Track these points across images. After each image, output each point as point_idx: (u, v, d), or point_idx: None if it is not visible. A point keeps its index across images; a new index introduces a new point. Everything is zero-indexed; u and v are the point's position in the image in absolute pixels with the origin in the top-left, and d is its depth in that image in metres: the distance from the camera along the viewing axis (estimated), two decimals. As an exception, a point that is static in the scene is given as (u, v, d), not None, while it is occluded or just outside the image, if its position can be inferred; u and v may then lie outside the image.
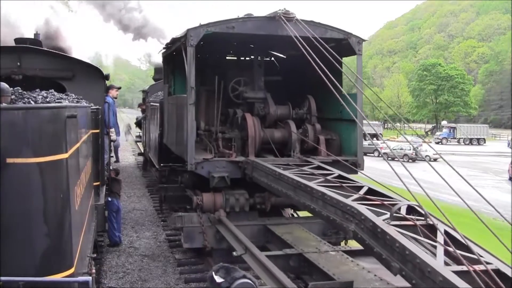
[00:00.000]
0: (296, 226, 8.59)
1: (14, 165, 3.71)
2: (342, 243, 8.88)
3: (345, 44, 8.81)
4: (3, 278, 3.54)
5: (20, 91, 5.84)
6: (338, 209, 5.13)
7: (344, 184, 6.08)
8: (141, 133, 25.11)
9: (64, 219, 4.03)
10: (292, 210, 10.37)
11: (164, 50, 11.20)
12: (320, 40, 7.72)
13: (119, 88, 14.78)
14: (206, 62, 10.73)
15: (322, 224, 8.52)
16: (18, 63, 8.26)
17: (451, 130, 69.20)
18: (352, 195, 5.45)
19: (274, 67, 11.65)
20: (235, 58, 11.69)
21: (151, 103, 16.87)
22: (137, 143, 31.30)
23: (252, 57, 11.11)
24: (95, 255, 7.17)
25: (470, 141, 66.72)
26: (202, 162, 8.37)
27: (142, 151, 23.05)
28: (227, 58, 11.72)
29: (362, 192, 5.68)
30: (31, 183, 3.82)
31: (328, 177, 6.53)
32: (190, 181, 9.32)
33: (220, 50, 11.24)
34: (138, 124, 25.05)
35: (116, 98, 13.77)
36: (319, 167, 7.55)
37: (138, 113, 32.04)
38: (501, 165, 38.32)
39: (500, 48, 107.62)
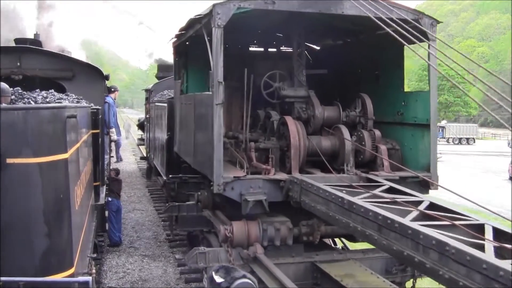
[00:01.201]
0: (354, 263, 6.71)
1: (14, 165, 3.71)
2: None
3: (411, 28, 6.83)
4: (3, 278, 3.54)
5: (20, 91, 5.86)
6: (476, 271, 3.26)
7: (455, 222, 4.24)
8: (143, 136, 23.33)
9: (64, 219, 4.03)
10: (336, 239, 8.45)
11: (174, 39, 9.32)
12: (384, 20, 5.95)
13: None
14: (225, 54, 8.93)
15: (385, 259, 6.74)
16: (18, 63, 8.28)
17: (440, 130, 69.23)
18: (481, 241, 3.76)
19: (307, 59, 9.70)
20: (262, 49, 9.88)
21: (156, 103, 15.08)
22: (139, 146, 28.66)
23: (280, 48, 9.58)
24: (95, 255, 7.17)
25: (459, 141, 66.83)
26: (232, 182, 6.41)
27: (145, 155, 20.98)
28: (250, 49, 9.98)
29: (489, 235, 3.92)
30: (31, 183, 3.82)
31: (420, 207, 4.76)
32: (209, 200, 7.58)
33: (243, 39, 9.42)
34: (141, 126, 23.81)
35: (115, 99, 13.78)
36: (392, 189, 5.83)
37: (138, 114, 31.45)
38: (499, 164, 38.26)
39: (500, 48, 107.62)
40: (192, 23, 7.65)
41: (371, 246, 5.29)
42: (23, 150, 3.77)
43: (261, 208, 6.48)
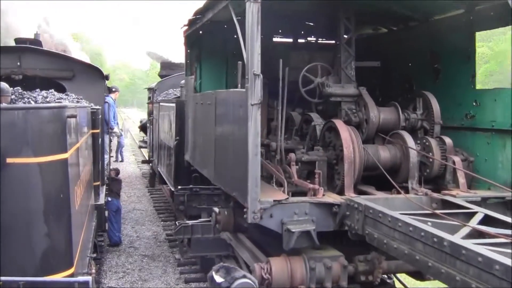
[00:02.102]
0: None
1: (14, 165, 3.72)
2: None
3: (487, 10, 5.58)
4: (3, 278, 3.54)
5: (20, 91, 5.88)
6: None
7: None
8: (145, 138, 21.89)
9: (64, 219, 4.03)
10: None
11: (185, 27, 7.85)
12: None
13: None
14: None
15: None
16: (18, 63, 8.30)
17: None
18: None
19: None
20: (290, 40, 8.36)
21: (161, 103, 13.47)
22: (141, 148, 26.20)
23: (311, 37, 8.18)
24: (95, 255, 7.18)
25: None
26: (272, 207, 4.89)
27: (147, 159, 19.16)
28: (274, 40, 8.43)
29: None
30: (31, 183, 3.82)
31: None
32: (231, 221, 6.25)
33: (265, 28, 7.52)
34: (143, 127, 22.53)
35: (115, 99, 13.78)
36: (488, 218, 4.53)
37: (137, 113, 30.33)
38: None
39: (500, 48, 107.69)
40: (212, 2, 6.24)
41: (441, 284, 4.07)
42: (23, 150, 3.77)
43: (308, 240, 4.94)
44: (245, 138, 4.84)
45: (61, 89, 8.04)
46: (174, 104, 10.46)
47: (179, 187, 9.00)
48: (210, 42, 7.87)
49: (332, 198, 5.22)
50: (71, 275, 4.02)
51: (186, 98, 8.72)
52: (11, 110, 3.82)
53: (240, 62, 5.20)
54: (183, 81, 10.36)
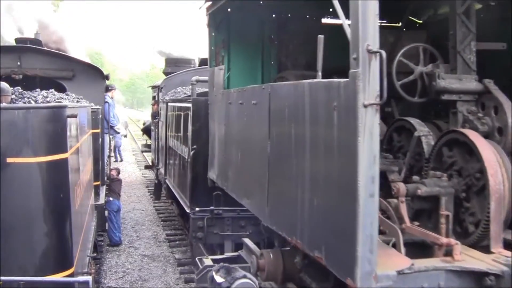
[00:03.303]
0: None
1: (14, 164, 3.72)
2: None
3: None
4: (3, 278, 3.54)
5: (20, 90, 5.89)
6: None
7: None
8: (148, 142, 20.35)
9: (64, 219, 4.03)
10: None
11: (209, 2, 6.19)
12: None
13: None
14: (289, 31, 5.98)
15: None
16: (19, 63, 8.32)
17: None
18: None
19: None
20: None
21: (171, 103, 11.49)
22: (144, 153, 24.18)
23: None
24: (95, 254, 7.18)
25: None
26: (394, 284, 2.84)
27: (151, 164, 17.13)
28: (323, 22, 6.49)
29: None
30: (31, 183, 3.83)
31: None
32: (279, 268, 4.54)
33: (311, 7, 6.17)
34: (146, 130, 20.99)
35: (112, 98, 13.73)
36: None
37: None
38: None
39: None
40: None
41: None
42: (24, 149, 3.78)
43: None
44: (349, 165, 2.84)
45: (62, 89, 8.05)
46: (190, 104, 8.34)
47: (197, 209, 7.53)
48: (241, 23, 6.30)
49: (478, 260, 3.28)
50: (71, 275, 4.02)
51: (211, 95, 6.65)
52: (12, 109, 3.82)
53: (321, 36, 3.43)
54: (194, 78, 9.06)
